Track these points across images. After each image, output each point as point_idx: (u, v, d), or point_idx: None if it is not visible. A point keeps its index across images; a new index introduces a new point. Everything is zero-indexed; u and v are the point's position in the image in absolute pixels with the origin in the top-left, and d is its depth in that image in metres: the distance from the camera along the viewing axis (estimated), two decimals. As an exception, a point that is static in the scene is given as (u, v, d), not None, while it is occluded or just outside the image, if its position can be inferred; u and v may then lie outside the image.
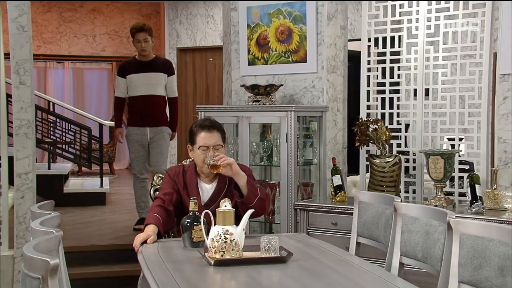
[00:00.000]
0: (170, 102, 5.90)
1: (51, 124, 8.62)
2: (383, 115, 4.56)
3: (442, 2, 4.31)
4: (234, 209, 2.67)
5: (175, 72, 6.06)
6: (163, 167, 5.64)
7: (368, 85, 4.61)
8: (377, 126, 4.30)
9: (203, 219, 2.76)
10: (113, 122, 9.75)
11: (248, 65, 4.95)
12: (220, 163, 3.06)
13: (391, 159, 4.21)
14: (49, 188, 7.07)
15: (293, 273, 2.39)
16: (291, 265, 2.49)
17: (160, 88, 5.75)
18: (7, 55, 5.14)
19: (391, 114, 4.54)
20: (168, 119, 5.87)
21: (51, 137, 8.55)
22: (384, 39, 4.54)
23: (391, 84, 4.54)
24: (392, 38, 4.51)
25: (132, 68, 5.72)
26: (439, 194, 3.96)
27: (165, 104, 5.86)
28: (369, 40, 4.60)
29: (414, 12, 4.38)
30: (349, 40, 5.21)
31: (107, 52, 11.48)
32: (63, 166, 8.25)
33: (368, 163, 4.43)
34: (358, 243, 3.18)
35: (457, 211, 3.82)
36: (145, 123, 5.72)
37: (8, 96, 5.25)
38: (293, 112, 4.26)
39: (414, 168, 4.42)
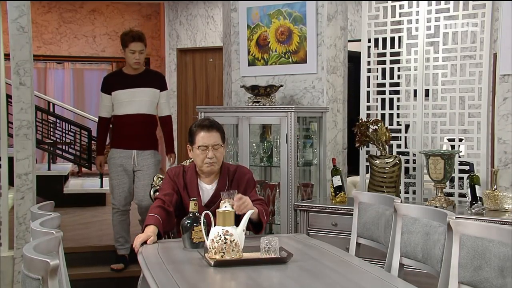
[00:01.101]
0: (162, 122, 5.12)
1: (51, 125, 8.63)
2: (383, 115, 4.56)
3: (442, 3, 4.31)
4: (234, 210, 2.67)
5: (168, 87, 5.15)
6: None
7: (368, 86, 4.61)
8: (377, 127, 4.30)
9: (203, 220, 2.76)
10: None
11: (248, 65, 4.95)
12: (240, 213, 2.86)
13: (391, 160, 4.21)
14: (49, 189, 7.07)
15: (293, 274, 2.39)
16: (291, 266, 2.49)
17: (151, 106, 4.93)
18: (7, 56, 5.14)
19: (391, 115, 4.54)
20: (157, 142, 5.14)
21: (51, 137, 8.56)
22: (384, 39, 4.55)
23: (391, 84, 4.54)
24: (392, 39, 4.51)
25: (119, 83, 4.84)
26: (439, 195, 3.96)
27: (156, 124, 5.10)
28: (369, 40, 4.60)
29: (414, 12, 4.38)
30: (349, 41, 5.21)
31: (107, 52, 11.48)
32: (63, 167, 8.25)
33: (368, 163, 4.43)
34: (358, 244, 3.18)
35: (457, 212, 3.82)
36: (132, 145, 4.88)
37: (8, 96, 5.24)
38: (293, 112, 4.26)
39: (414, 168, 4.41)
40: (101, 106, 4.98)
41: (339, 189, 4.29)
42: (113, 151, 4.95)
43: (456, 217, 2.39)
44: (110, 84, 4.89)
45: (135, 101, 4.84)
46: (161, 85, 4.98)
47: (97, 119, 5.08)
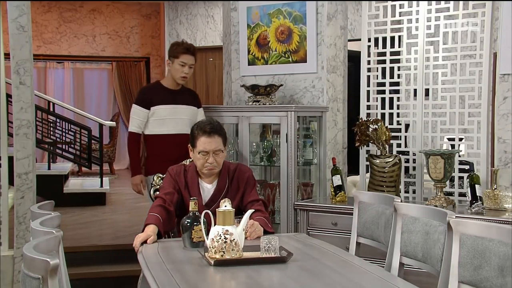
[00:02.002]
0: None
1: (51, 124, 8.63)
2: (383, 115, 4.56)
3: (442, 2, 4.32)
4: (234, 209, 2.67)
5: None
6: None
7: (368, 85, 4.61)
8: (377, 126, 4.30)
9: (203, 219, 2.76)
10: (114, 123, 9.87)
11: (248, 65, 4.95)
12: (251, 238, 2.94)
13: (391, 159, 4.21)
14: (49, 188, 7.06)
15: (293, 273, 2.39)
16: (291, 265, 2.49)
17: (190, 125, 4.31)
18: (7, 55, 5.13)
19: (391, 114, 4.55)
20: None
21: (51, 137, 8.56)
22: (384, 39, 4.55)
23: (391, 84, 4.54)
24: (392, 38, 4.51)
25: (159, 98, 4.36)
26: (439, 194, 3.96)
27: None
28: (369, 40, 4.60)
29: (414, 12, 4.38)
30: (349, 40, 5.21)
31: (107, 52, 11.49)
32: (63, 166, 8.25)
33: (368, 163, 4.43)
34: (358, 243, 3.18)
35: (457, 211, 3.82)
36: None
37: (8, 96, 5.24)
38: (293, 112, 4.26)
39: (414, 168, 4.42)
40: (134, 120, 4.36)
41: (339, 188, 4.29)
42: (151, 179, 4.11)
43: (456, 217, 2.39)
44: (150, 98, 4.34)
45: (177, 119, 4.36)
46: (198, 103, 4.56)
47: (128, 134, 4.48)
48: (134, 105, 4.39)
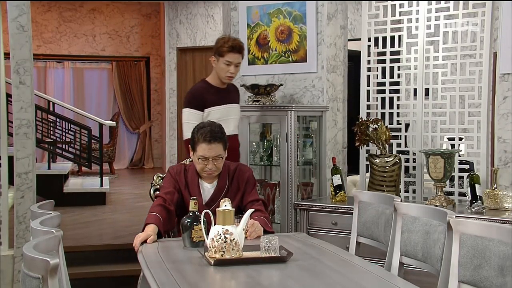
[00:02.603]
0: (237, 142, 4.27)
1: (51, 124, 8.62)
2: (383, 114, 4.56)
3: (442, 2, 4.31)
4: (234, 209, 2.67)
5: None
6: None
7: (368, 85, 4.61)
8: (377, 126, 4.30)
9: (203, 219, 2.76)
10: (113, 122, 9.86)
11: (248, 64, 4.95)
12: (251, 238, 2.95)
13: (391, 159, 4.22)
14: (49, 188, 7.07)
15: (293, 273, 2.39)
16: (291, 265, 2.49)
17: (238, 126, 4.21)
18: (7, 55, 5.13)
19: (391, 114, 4.55)
20: None
21: (51, 137, 8.56)
22: (384, 39, 4.55)
23: (391, 83, 4.54)
24: (392, 38, 4.51)
25: (212, 98, 4.03)
26: (439, 194, 3.96)
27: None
28: (369, 39, 4.60)
29: (414, 12, 4.38)
30: (349, 40, 5.21)
31: (107, 52, 11.49)
32: (63, 166, 8.25)
33: (368, 162, 4.43)
34: (358, 243, 3.18)
35: (457, 211, 3.82)
36: None
37: (8, 95, 5.24)
38: (293, 111, 4.26)
39: (414, 168, 4.42)
40: (189, 125, 3.76)
41: (339, 188, 4.29)
42: None
43: (456, 216, 2.39)
44: (202, 99, 4.01)
45: (228, 119, 4.03)
46: (239, 100, 4.27)
47: (184, 140, 3.97)
48: (186, 110, 4.00)
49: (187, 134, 3.81)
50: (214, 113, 3.97)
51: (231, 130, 3.99)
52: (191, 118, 3.95)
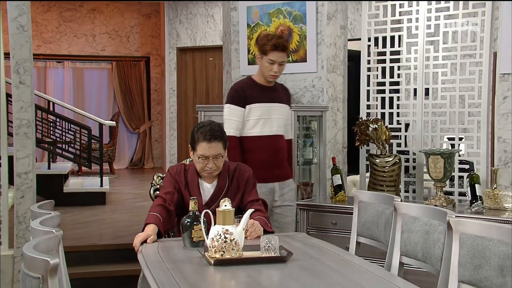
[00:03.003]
0: (288, 145, 4.11)
1: (51, 124, 8.62)
2: (383, 114, 4.56)
3: (442, 2, 4.31)
4: (234, 209, 2.67)
5: None
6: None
7: (368, 85, 4.61)
8: (377, 126, 4.30)
9: (203, 219, 2.76)
10: (113, 122, 9.87)
11: (248, 64, 4.95)
12: (251, 238, 2.95)
13: (391, 159, 4.22)
14: (49, 188, 7.07)
15: (293, 273, 2.39)
16: (291, 265, 2.49)
17: (285, 126, 4.03)
18: (7, 55, 5.13)
19: (391, 114, 4.55)
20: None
21: (51, 136, 8.56)
22: (384, 38, 4.55)
23: (391, 83, 4.54)
24: (392, 38, 4.51)
25: (254, 95, 3.89)
26: (439, 194, 3.96)
27: (286, 148, 4.08)
28: (369, 39, 4.60)
29: (414, 11, 4.38)
30: (349, 40, 5.21)
31: (107, 51, 11.49)
32: (63, 166, 8.25)
33: (368, 162, 4.43)
34: (358, 243, 3.18)
35: (457, 211, 3.82)
36: (273, 176, 3.91)
37: (8, 95, 5.24)
38: (293, 111, 4.26)
39: (414, 167, 4.42)
40: (230, 122, 3.84)
41: (339, 188, 4.29)
42: None
43: (456, 216, 2.39)
44: (244, 95, 3.88)
45: (271, 118, 3.91)
46: (290, 101, 4.11)
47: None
48: (227, 106, 3.89)
49: (228, 131, 3.67)
50: (255, 111, 3.87)
51: (274, 130, 3.90)
52: (231, 114, 3.86)
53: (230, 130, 3.79)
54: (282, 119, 3.96)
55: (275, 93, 3.96)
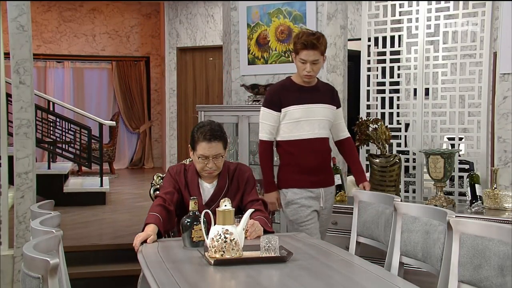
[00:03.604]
0: (346, 145, 3.86)
1: (51, 124, 8.62)
2: (383, 114, 4.56)
3: (442, 2, 4.31)
4: (234, 209, 2.67)
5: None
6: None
7: (368, 85, 4.61)
8: (377, 126, 4.30)
9: (203, 219, 2.76)
10: (113, 122, 9.87)
11: (248, 64, 4.95)
12: (251, 238, 2.95)
13: (391, 159, 4.21)
14: (49, 188, 7.07)
15: (293, 273, 2.39)
16: (291, 265, 2.49)
17: (328, 128, 3.76)
18: (7, 55, 5.14)
19: (391, 114, 4.55)
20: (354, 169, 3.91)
21: (51, 136, 8.55)
22: (384, 38, 4.55)
23: (391, 83, 4.54)
24: (392, 38, 4.51)
25: (290, 97, 3.67)
26: (439, 194, 3.96)
27: (330, 151, 3.84)
28: (369, 39, 4.60)
29: (414, 11, 4.39)
30: (349, 40, 5.21)
31: (107, 51, 11.48)
32: (63, 166, 8.25)
33: (368, 162, 4.43)
34: (358, 243, 3.18)
35: (457, 211, 3.82)
36: (319, 182, 3.68)
37: (8, 95, 5.25)
38: (293, 111, 4.25)
39: (414, 167, 4.42)
40: (264, 126, 3.71)
41: (339, 188, 4.29)
42: (294, 193, 3.66)
43: (456, 216, 2.39)
44: (279, 98, 3.68)
45: (312, 120, 3.66)
46: (337, 102, 3.81)
47: (258, 142, 3.81)
48: (262, 108, 3.73)
49: (260, 135, 3.71)
50: (292, 113, 3.65)
51: (316, 133, 3.65)
52: (265, 118, 3.71)
53: (262, 134, 3.72)
54: (325, 120, 3.68)
55: (316, 93, 3.69)
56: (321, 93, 3.71)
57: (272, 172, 3.75)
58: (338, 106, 3.79)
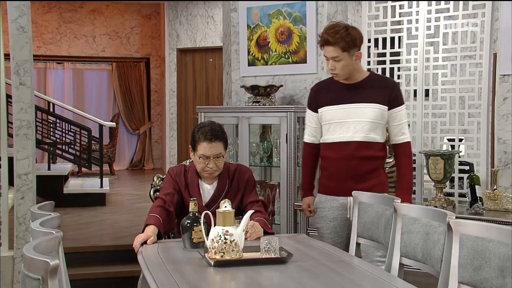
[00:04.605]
0: (398, 151, 3.41)
1: (51, 125, 8.63)
2: (383, 115, 4.55)
3: (442, 3, 4.32)
4: (234, 210, 2.67)
5: (404, 101, 3.44)
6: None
7: (368, 86, 4.61)
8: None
9: (203, 220, 2.76)
10: (113, 123, 9.88)
11: (248, 65, 4.95)
12: (251, 239, 2.95)
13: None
14: (49, 189, 7.07)
15: (293, 274, 2.39)
16: (291, 266, 2.49)
17: (372, 130, 3.33)
18: (7, 56, 5.14)
19: (391, 115, 4.54)
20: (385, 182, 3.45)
21: (51, 137, 8.56)
22: (384, 39, 4.55)
23: (391, 84, 4.53)
24: (392, 39, 4.51)
25: (326, 97, 3.43)
26: (439, 195, 3.96)
27: (379, 157, 3.40)
28: (369, 40, 4.60)
29: (414, 12, 4.38)
30: (349, 41, 5.20)
31: (107, 52, 11.49)
32: (63, 167, 8.25)
33: (368, 163, 4.42)
34: (358, 244, 3.18)
35: (457, 212, 3.82)
36: (343, 189, 3.36)
37: (8, 96, 5.25)
38: (293, 112, 4.26)
39: (414, 168, 4.41)
40: (306, 127, 3.56)
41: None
42: (320, 198, 3.49)
43: (456, 217, 2.39)
44: (315, 98, 3.48)
45: (347, 122, 3.34)
46: (391, 100, 3.34)
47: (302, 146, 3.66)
48: (306, 110, 3.58)
49: (304, 138, 3.57)
50: (325, 115, 3.41)
51: (349, 136, 3.32)
52: (307, 119, 3.56)
53: (305, 136, 3.56)
54: (365, 122, 3.30)
55: (361, 91, 3.34)
56: (367, 91, 3.33)
57: (309, 177, 3.56)
58: (392, 106, 3.33)
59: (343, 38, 3.22)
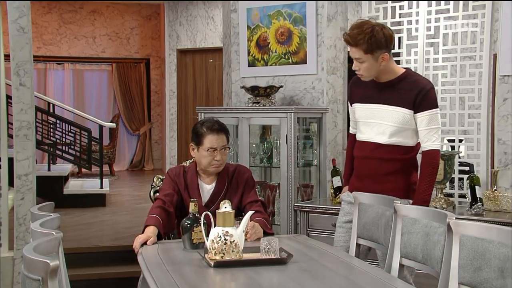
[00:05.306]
0: (422, 159, 3.18)
1: (51, 126, 8.62)
2: (383, 116, 4.55)
3: (442, 3, 4.32)
4: (234, 211, 2.67)
5: (437, 105, 3.16)
6: None
7: (368, 87, 4.61)
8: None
9: (203, 221, 2.76)
10: (113, 124, 9.87)
11: (248, 66, 4.95)
12: (251, 240, 2.95)
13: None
14: (49, 190, 7.07)
15: (293, 275, 2.39)
16: (291, 267, 2.49)
17: (396, 133, 3.17)
18: (7, 57, 5.14)
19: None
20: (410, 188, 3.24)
21: (51, 138, 8.55)
22: (384, 40, 4.54)
23: (391, 85, 4.53)
24: (392, 40, 4.50)
25: (360, 93, 3.30)
26: (439, 196, 3.96)
27: (401, 159, 3.20)
28: (369, 41, 4.59)
29: (414, 13, 4.39)
30: (349, 42, 5.20)
31: (107, 53, 11.49)
32: (63, 168, 8.25)
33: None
34: (358, 245, 3.18)
35: (457, 213, 3.82)
36: (363, 188, 3.25)
37: (8, 97, 5.25)
38: (293, 113, 4.26)
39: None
40: (350, 122, 3.51)
41: (339, 189, 4.28)
42: (346, 192, 3.43)
43: (456, 218, 2.39)
44: (351, 93, 3.38)
45: (372, 123, 3.23)
46: (417, 104, 3.11)
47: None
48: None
49: (350, 129, 3.50)
50: (356, 111, 3.31)
51: (371, 137, 3.21)
52: (349, 111, 3.45)
53: (350, 127, 3.50)
54: (386, 125, 3.16)
55: (389, 91, 3.17)
56: (395, 93, 3.15)
57: (349, 166, 3.44)
58: (418, 110, 3.11)
59: (365, 40, 3.05)
